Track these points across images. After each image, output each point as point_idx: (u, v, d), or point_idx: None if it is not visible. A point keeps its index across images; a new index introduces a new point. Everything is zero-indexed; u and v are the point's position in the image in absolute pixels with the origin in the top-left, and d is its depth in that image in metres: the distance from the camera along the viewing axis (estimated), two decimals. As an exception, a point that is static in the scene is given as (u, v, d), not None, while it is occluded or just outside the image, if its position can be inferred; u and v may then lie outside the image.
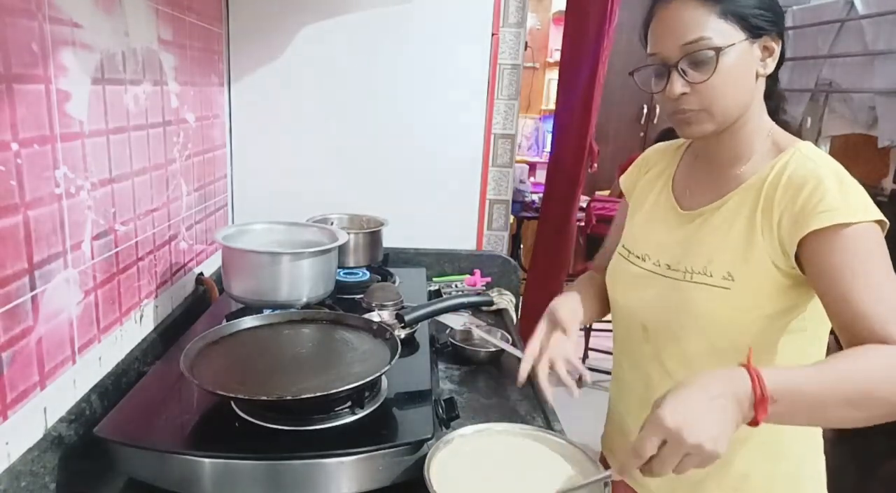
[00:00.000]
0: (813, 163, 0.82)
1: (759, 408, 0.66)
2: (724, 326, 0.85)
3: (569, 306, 1.01)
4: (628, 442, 0.68)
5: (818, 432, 0.94)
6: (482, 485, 0.79)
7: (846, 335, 0.75)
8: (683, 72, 0.82)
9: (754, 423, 0.67)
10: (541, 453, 0.86)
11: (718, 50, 0.80)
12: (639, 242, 0.99)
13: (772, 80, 0.89)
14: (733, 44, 0.80)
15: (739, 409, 0.66)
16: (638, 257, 0.98)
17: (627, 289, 0.99)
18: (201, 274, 1.47)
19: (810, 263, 0.78)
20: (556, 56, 3.96)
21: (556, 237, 2.81)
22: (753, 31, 0.82)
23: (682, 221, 0.94)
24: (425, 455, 0.82)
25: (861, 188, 0.79)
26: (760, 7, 0.82)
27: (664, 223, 0.97)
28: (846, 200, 0.77)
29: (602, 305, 1.07)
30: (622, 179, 1.11)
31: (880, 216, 0.77)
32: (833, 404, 0.68)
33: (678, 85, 0.83)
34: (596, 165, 2.79)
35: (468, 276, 1.78)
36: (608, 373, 1.13)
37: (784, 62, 0.88)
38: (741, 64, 0.82)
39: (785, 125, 0.91)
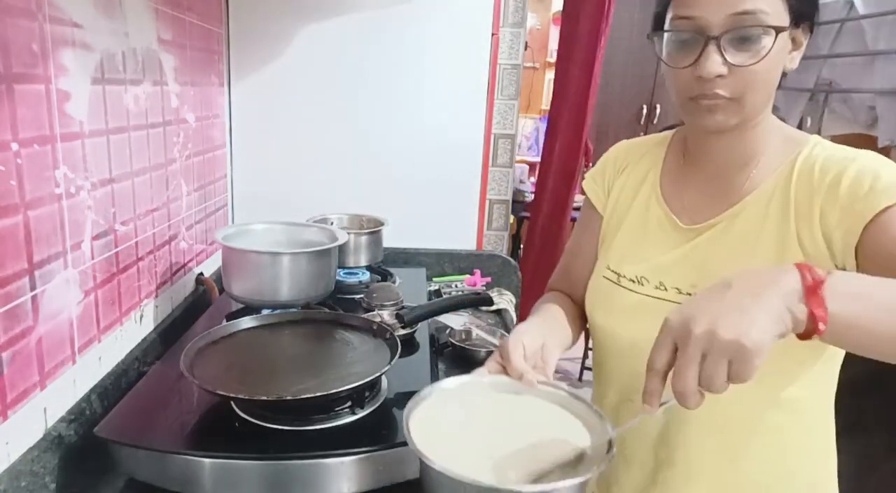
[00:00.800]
0: (843, 150, 0.73)
1: (812, 299, 0.53)
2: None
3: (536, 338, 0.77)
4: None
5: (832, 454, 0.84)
6: (478, 442, 0.65)
7: None
8: (723, 49, 0.68)
9: (812, 329, 0.54)
10: (537, 404, 0.72)
11: (778, 30, 0.67)
12: (628, 263, 0.85)
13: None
14: (779, 27, 0.68)
15: (783, 299, 0.53)
16: (632, 281, 0.83)
17: (627, 321, 0.83)
18: (201, 274, 1.47)
19: (877, 245, 0.66)
20: (556, 56, 3.96)
21: (550, 236, 2.82)
22: (796, 17, 0.70)
23: (686, 236, 0.81)
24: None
25: None
26: None
27: (660, 240, 0.83)
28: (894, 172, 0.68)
29: (570, 333, 0.88)
30: (587, 184, 0.95)
31: None
32: None
33: (716, 63, 0.68)
34: (591, 165, 2.79)
35: (468, 276, 1.78)
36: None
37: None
38: (781, 53, 0.71)
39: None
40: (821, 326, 0.53)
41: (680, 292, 0.78)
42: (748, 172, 0.78)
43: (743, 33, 0.68)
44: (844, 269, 0.69)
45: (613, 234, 0.89)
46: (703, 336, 0.52)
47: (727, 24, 0.68)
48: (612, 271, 0.86)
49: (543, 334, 0.79)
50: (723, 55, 0.68)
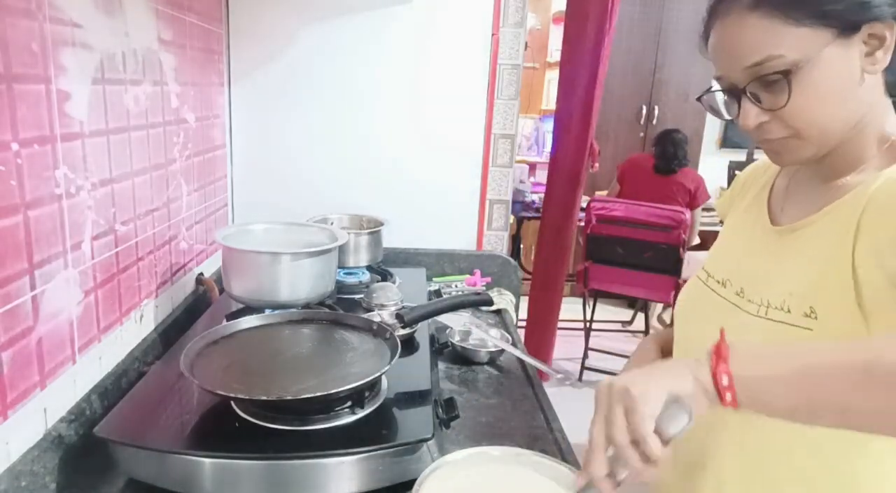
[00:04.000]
0: None
1: (714, 359, 0.56)
2: None
3: None
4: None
5: None
6: None
7: None
8: (756, 97, 0.67)
9: (719, 390, 0.55)
10: (537, 480, 0.78)
11: (788, 72, 0.64)
12: (720, 264, 0.82)
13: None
14: (814, 55, 0.63)
15: (686, 365, 0.58)
16: (718, 283, 0.80)
17: (702, 321, 0.80)
18: (201, 274, 1.47)
19: None
20: (556, 56, 3.96)
21: (557, 238, 2.82)
22: (846, 25, 0.63)
23: (770, 237, 0.76)
24: (424, 456, 0.82)
25: None
26: None
27: (749, 239, 0.80)
28: None
29: None
30: (718, 202, 0.96)
31: None
32: (824, 376, 0.53)
33: (752, 114, 0.68)
34: (597, 164, 2.80)
35: (468, 276, 1.78)
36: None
37: None
38: (834, 71, 0.65)
39: None
40: (723, 380, 0.55)
41: (747, 298, 0.74)
42: (845, 178, 0.71)
43: (763, 81, 0.66)
44: None
45: (720, 237, 0.88)
46: (605, 389, 0.59)
47: (747, 77, 0.67)
48: (706, 271, 0.84)
49: None
50: (758, 103, 0.67)
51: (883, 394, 0.50)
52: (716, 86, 0.73)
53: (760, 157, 0.87)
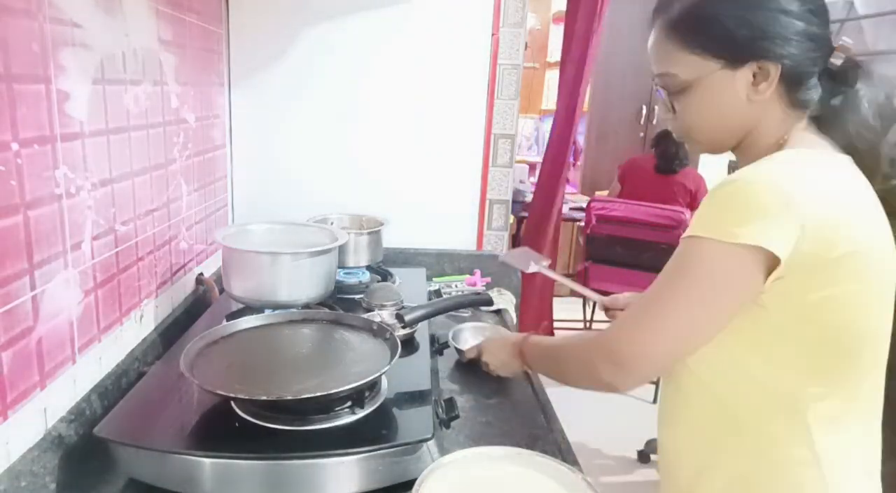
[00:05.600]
0: (750, 168, 0.72)
1: (521, 357, 0.98)
2: None
3: None
4: None
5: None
6: None
7: None
8: (670, 98, 0.82)
9: (521, 356, 0.98)
10: (537, 480, 0.81)
11: (677, 89, 0.79)
12: None
13: (794, 97, 0.77)
14: (699, 77, 0.77)
15: (511, 356, 1.00)
16: None
17: None
18: (201, 274, 1.47)
19: None
20: (556, 56, 3.96)
21: (539, 233, 2.84)
22: (732, 59, 0.75)
23: None
24: (424, 456, 0.82)
25: (760, 203, 0.67)
26: (738, 35, 0.74)
27: None
28: (712, 212, 0.70)
29: None
30: None
31: (753, 241, 0.66)
32: (552, 360, 0.91)
33: (662, 110, 0.85)
34: (578, 162, 2.82)
35: (468, 276, 1.78)
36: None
37: (806, 81, 0.76)
38: (717, 94, 0.77)
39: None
40: (524, 368, 1.03)
41: None
42: None
43: (665, 89, 0.81)
44: None
45: None
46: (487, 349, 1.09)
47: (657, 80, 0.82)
48: None
49: None
50: (670, 104, 0.82)
51: (570, 377, 0.85)
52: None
53: None
